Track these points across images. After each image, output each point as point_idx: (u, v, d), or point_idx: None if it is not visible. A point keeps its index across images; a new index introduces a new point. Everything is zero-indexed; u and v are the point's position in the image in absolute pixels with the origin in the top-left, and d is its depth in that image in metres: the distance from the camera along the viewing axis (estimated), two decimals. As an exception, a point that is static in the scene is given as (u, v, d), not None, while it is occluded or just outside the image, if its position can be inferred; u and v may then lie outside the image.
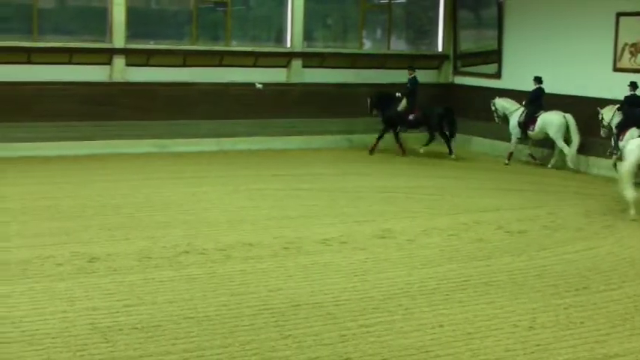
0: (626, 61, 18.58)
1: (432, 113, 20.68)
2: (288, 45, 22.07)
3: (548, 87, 19.72)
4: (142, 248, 11.43)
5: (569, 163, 19.24)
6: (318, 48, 22.69)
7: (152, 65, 20.50)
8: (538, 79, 19.74)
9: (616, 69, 18.68)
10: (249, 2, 22.47)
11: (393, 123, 20.93)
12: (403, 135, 21.27)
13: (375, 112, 21.03)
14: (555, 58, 20.17)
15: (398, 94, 20.90)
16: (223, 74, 21.18)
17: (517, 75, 20.59)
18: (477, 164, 20.19)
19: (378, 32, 23.87)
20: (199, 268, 10.59)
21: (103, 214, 13.49)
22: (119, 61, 20.22)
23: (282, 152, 21.00)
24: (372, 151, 20.93)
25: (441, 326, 8.72)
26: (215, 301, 9.30)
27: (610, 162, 18.05)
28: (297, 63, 22.05)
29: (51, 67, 19.48)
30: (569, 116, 19.23)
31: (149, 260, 10.88)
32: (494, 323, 8.85)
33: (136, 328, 8.39)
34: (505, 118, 20.54)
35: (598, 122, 18.29)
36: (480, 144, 22.09)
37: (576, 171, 19.14)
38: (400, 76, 22.26)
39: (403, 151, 20.93)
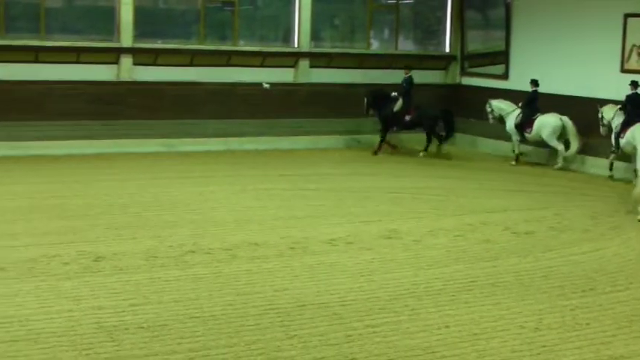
0: (633, 62, 18.55)
1: (426, 115, 20.68)
2: (296, 45, 22.07)
3: (556, 88, 19.73)
4: (148, 247, 11.45)
5: (560, 163, 19.55)
6: (326, 48, 22.68)
7: (159, 65, 20.52)
8: (534, 82, 19.87)
9: (624, 70, 18.65)
10: (256, 2, 22.48)
11: (389, 123, 20.92)
12: (402, 136, 21.30)
13: (371, 111, 21.04)
14: (563, 59, 20.15)
15: (394, 94, 20.89)
16: (231, 74, 21.19)
17: (524, 76, 20.53)
18: (484, 165, 20.17)
19: (386, 32, 23.86)
20: (205, 268, 10.60)
21: (110, 213, 13.51)
22: (126, 61, 20.25)
23: (290, 152, 21.01)
24: (376, 152, 20.92)
25: (447, 327, 8.71)
26: (221, 301, 9.31)
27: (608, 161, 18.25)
28: (304, 63, 22.05)
29: (58, 67, 19.52)
30: (565, 118, 19.33)
31: (155, 259, 10.89)
32: (500, 324, 8.85)
33: (142, 327, 8.40)
34: (501, 119, 20.65)
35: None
36: (487, 145, 22.05)
37: (569, 169, 19.43)
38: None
39: (393, 147, 21.04)
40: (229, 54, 21.25)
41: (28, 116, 19.09)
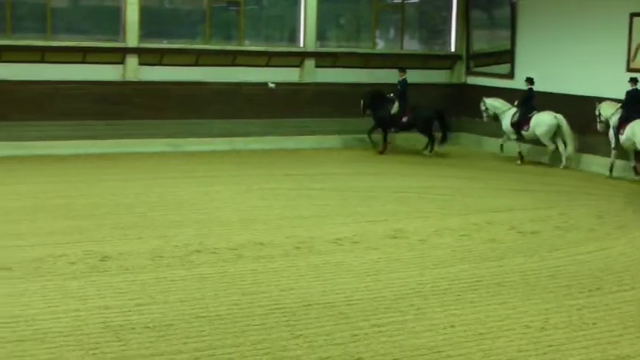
0: (639, 62, 18.52)
1: (421, 116, 20.76)
2: (301, 45, 22.08)
3: (562, 87, 19.73)
4: (154, 247, 11.46)
5: (546, 160, 19.85)
6: (331, 48, 22.69)
7: (165, 64, 20.55)
8: (530, 80, 20.01)
9: (629, 69, 18.62)
10: (262, 2, 22.50)
11: (386, 124, 20.94)
12: (407, 137, 21.39)
13: (368, 112, 21.05)
14: (568, 59, 20.13)
15: (390, 95, 20.92)
16: (236, 74, 21.21)
17: (530, 75, 20.49)
18: (489, 164, 20.15)
19: (391, 32, 23.85)
20: (211, 268, 10.61)
21: (116, 213, 13.53)
22: (132, 61, 20.29)
23: (295, 152, 21.02)
24: (382, 152, 20.93)
25: (453, 326, 8.70)
26: (226, 301, 9.31)
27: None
28: (309, 63, 22.06)
29: (64, 67, 19.57)
30: (560, 117, 19.45)
31: (161, 259, 10.90)
32: (506, 324, 8.83)
33: (148, 327, 8.41)
34: (495, 118, 20.81)
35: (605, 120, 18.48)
36: (492, 144, 22.01)
37: (565, 167, 19.56)
38: (413, 76, 22.26)
39: (385, 148, 21.06)
40: (235, 54, 21.27)
41: (34, 116, 19.13)
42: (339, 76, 21.91)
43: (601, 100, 18.62)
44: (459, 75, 23.82)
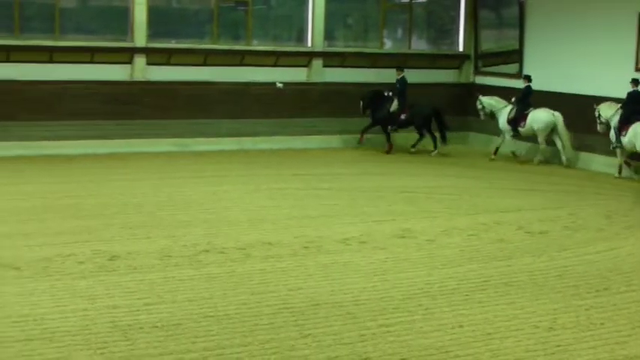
0: (648, 61, 18.53)
1: (419, 113, 20.87)
2: (309, 44, 22.08)
3: (570, 87, 19.70)
4: (162, 247, 11.48)
5: (536, 161, 19.98)
6: (339, 47, 22.68)
7: (173, 64, 20.57)
8: (527, 78, 20.19)
9: (638, 69, 18.56)
10: (270, 1, 22.50)
11: (385, 123, 20.98)
12: (400, 136, 21.44)
13: (367, 111, 21.07)
14: (577, 58, 20.08)
15: (388, 94, 20.96)
16: (244, 73, 21.22)
17: (538, 75, 20.46)
18: (496, 164, 20.11)
19: (399, 32, 23.84)
20: (219, 267, 10.62)
21: (125, 213, 13.55)
22: (140, 60, 20.31)
23: (303, 152, 21.02)
24: (389, 150, 20.95)
25: (461, 326, 8.70)
26: (235, 300, 9.32)
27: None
28: (317, 62, 22.06)
29: (73, 66, 19.60)
30: (557, 114, 19.60)
31: (169, 259, 10.92)
32: (514, 324, 8.83)
33: (156, 327, 8.43)
34: (492, 116, 20.94)
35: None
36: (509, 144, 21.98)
37: (567, 166, 19.67)
38: (421, 75, 22.32)
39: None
40: (243, 54, 21.28)
41: (43, 116, 19.17)
42: (347, 76, 21.90)
43: (599, 100, 18.67)
44: (467, 75, 23.80)
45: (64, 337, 8.10)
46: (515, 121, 20.20)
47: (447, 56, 23.94)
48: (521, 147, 20.85)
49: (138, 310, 8.89)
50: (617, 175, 18.35)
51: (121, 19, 20.48)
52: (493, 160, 20.40)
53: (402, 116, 20.88)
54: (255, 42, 21.70)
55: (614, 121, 18.17)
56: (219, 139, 20.80)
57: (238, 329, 8.42)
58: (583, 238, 12.75)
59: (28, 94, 19.05)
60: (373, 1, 22.99)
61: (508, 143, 20.65)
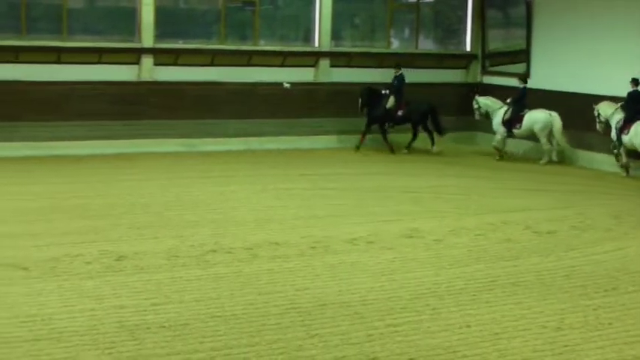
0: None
1: (416, 109, 20.99)
2: (316, 44, 22.09)
3: (578, 87, 19.67)
4: (169, 247, 11.49)
5: (546, 158, 20.07)
6: (346, 47, 22.68)
7: (180, 65, 20.59)
8: (524, 79, 20.49)
9: (646, 68, 18.57)
10: (277, 2, 22.50)
11: (382, 120, 21.01)
12: (402, 137, 21.46)
13: (364, 109, 21.09)
14: (585, 58, 20.04)
15: (384, 91, 20.98)
16: (251, 74, 21.23)
17: (546, 74, 20.46)
18: (504, 164, 20.10)
19: (406, 32, 23.82)
20: (226, 267, 10.63)
21: (132, 213, 13.57)
22: (147, 61, 20.33)
23: (310, 152, 21.02)
24: (392, 149, 20.99)
25: (469, 326, 8.69)
26: (242, 300, 9.33)
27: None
28: (324, 62, 22.06)
29: (80, 67, 19.63)
30: (554, 114, 19.79)
31: (177, 259, 10.93)
32: (521, 324, 8.82)
33: (164, 327, 8.43)
34: (487, 116, 21.15)
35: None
36: (508, 144, 21.95)
37: (561, 163, 19.99)
38: (428, 75, 22.32)
39: (361, 142, 21.15)
40: (250, 54, 21.29)
41: (50, 116, 19.20)
42: (354, 76, 21.87)
43: (608, 100, 18.77)
44: (475, 74, 23.77)
45: (71, 337, 8.11)
46: (511, 122, 20.40)
47: (454, 56, 23.93)
48: (522, 147, 20.94)
49: (145, 310, 8.90)
50: (625, 174, 18.34)
51: (129, 20, 20.50)
52: (499, 160, 20.43)
53: (399, 113, 20.99)
54: (262, 42, 21.71)
55: (614, 120, 18.37)
56: (227, 139, 20.82)
57: (245, 329, 8.42)
58: (591, 238, 12.72)
59: (36, 95, 19.09)
60: (380, 1, 22.98)
61: (497, 141, 20.80)
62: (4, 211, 13.50)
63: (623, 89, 18.46)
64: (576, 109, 19.42)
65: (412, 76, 22.01)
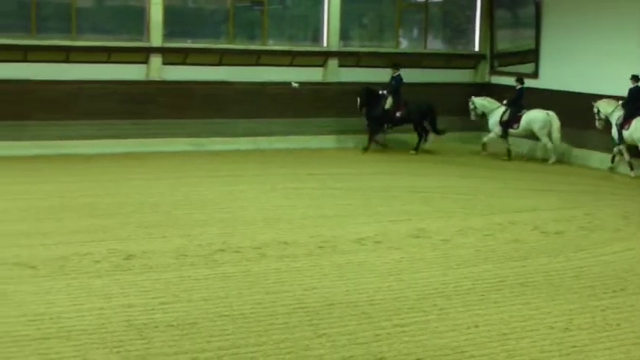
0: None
1: (415, 110, 21.03)
2: (325, 44, 22.09)
3: (587, 87, 19.64)
4: (178, 246, 11.51)
5: (552, 157, 20.17)
6: (355, 47, 22.69)
7: (189, 64, 20.62)
8: (520, 80, 20.66)
9: (655, 68, 18.55)
10: (285, 1, 22.52)
11: (381, 121, 21.01)
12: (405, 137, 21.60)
13: (364, 110, 21.09)
14: (594, 58, 19.99)
15: (382, 92, 20.99)
16: (260, 73, 21.25)
17: (554, 74, 20.43)
18: (512, 164, 20.08)
19: (415, 31, 23.82)
20: (235, 267, 10.64)
21: (141, 212, 13.60)
22: (156, 60, 20.37)
23: (319, 151, 21.03)
24: (383, 146, 21.19)
25: (476, 327, 8.69)
26: (250, 299, 9.34)
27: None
28: (333, 62, 22.06)
29: (89, 66, 19.69)
30: (552, 113, 19.98)
31: (185, 258, 10.95)
32: (529, 324, 8.81)
33: (172, 326, 8.45)
34: (483, 116, 21.26)
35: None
36: (516, 144, 21.92)
37: (554, 163, 20.02)
38: (436, 75, 22.31)
39: (368, 146, 21.17)
40: (258, 53, 21.31)
41: (59, 115, 19.26)
42: (363, 76, 21.86)
43: (597, 98, 19.05)
44: (483, 74, 23.75)
45: (80, 335, 8.13)
46: (508, 122, 20.54)
47: (462, 56, 23.92)
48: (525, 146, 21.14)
49: (153, 309, 8.92)
50: (632, 175, 18.35)
51: (137, 19, 20.54)
52: (506, 160, 20.51)
53: (398, 114, 21.01)
54: (270, 42, 21.73)
55: (614, 118, 18.57)
56: (235, 138, 20.84)
57: (253, 328, 8.43)
58: (599, 239, 12.70)
59: (45, 94, 19.14)
60: (389, 1, 22.98)
61: (489, 138, 20.96)
62: (13, 209, 13.55)
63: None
64: (585, 109, 19.36)
65: (420, 75, 22.03)
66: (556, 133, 19.99)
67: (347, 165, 19.12)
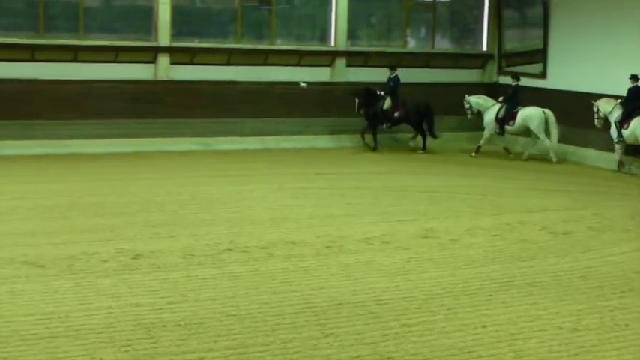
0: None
1: (413, 110, 21.05)
2: (332, 44, 22.09)
3: (595, 87, 19.60)
4: (185, 245, 11.52)
5: (552, 156, 20.17)
6: (362, 47, 22.69)
7: (196, 64, 20.64)
8: (516, 77, 20.91)
9: (664, 68, 18.52)
10: (293, 1, 22.52)
11: (379, 121, 21.04)
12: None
13: (362, 110, 21.09)
14: (602, 58, 19.95)
15: (380, 92, 21.01)
16: (267, 73, 21.26)
17: (562, 74, 20.40)
18: (520, 164, 20.04)
19: (423, 31, 23.80)
20: (242, 266, 10.65)
21: (148, 211, 13.61)
22: (164, 60, 20.40)
23: (326, 151, 21.03)
24: (375, 148, 21.12)
25: (484, 327, 8.68)
26: (257, 299, 9.34)
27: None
28: (341, 62, 22.07)
29: (97, 66, 19.72)
30: (548, 111, 20.07)
31: (192, 257, 10.96)
32: (537, 324, 8.79)
33: (179, 325, 8.46)
34: (479, 115, 21.33)
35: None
36: (524, 144, 21.89)
37: (558, 162, 20.04)
38: (444, 75, 22.30)
39: (375, 145, 21.17)
40: (266, 53, 21.32)
41: (67, 115, 19.30)
42: (371, 76, 21.85)
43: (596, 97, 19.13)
44: (491, 74, 23.73)
45: (88, 334, 8.15)
46: (504, 119, 20.66)
47: (470, 56, 23.90)
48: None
49: (161, 309, 8.93)
50: (616, 169, 18.88)
51: (145, 19, 20.57)
52: (512, 158, 20.62)
53: (396, 114, 21.04)
54: (278, 41, 21.74)
55: (614, 117, 18.69)
56: (243, 138, 20.86)
57: (260, 328, 8.44)
58: (608, 239, 12.67)
59: (53, 94, 19.18)
60: (397, 1, 22.97)
61: (485, 141, 20.99)
62: (22, 208, 13.57)
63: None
64: (593, 110, 19.33)
65: (428, 75, 22.01)
66: (554, 131, 20.06)
67: (354, 164, 19.12)
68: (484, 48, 23.90)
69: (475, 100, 21.26)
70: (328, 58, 22.02)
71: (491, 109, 21.00)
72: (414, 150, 21.22)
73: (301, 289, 9.77)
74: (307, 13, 22.69)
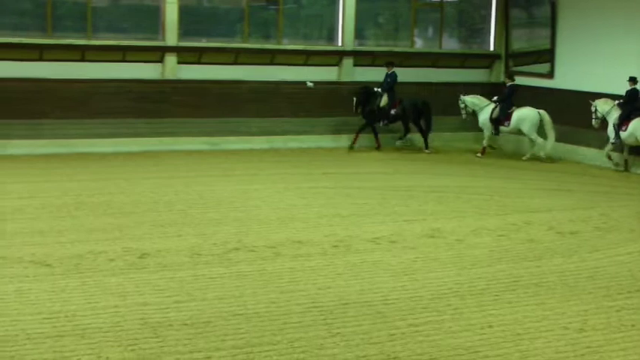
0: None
1: (409, 107, 21.10)
2: (340, 43, 22.09)
3: (602, 87, 19.58)
4: (192, 245, 11.53)
5: (542, 155, 20.36)
6: (370, 47, 22.68)
7: (204, 63, 20.67)
8: (511, 77, 21.14)
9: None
10: (300, 0, 22.52)
11: (376, 118, 21.06)
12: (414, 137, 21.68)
13: (359, 109, 21.09)
14: (610, 58, 19.93)
15: (377, 90, 21.03)
16: (275, 72, 21.28)
17: (570, 74, 20.37)
18: (526, 164, 20.03)
19: (430, 31, 23.79)
20: (249, 266, 10.66)
21: (155, 211, 13.63)
22: (171, 59, 20.42)
23: (333, 150, 21.04)
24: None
25: (490, 327, 8.68)
26: (264, 299, 9.35)
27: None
28: (348, 61, 22.07)
29: (104, 65, 19.77)
30: (543, 112, 20.22)
31: (199, 257, 10.97)
32: (544, 325, 8.79)
33: (186, 324, 8.47)
34: (474, 115, 21.42)
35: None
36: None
37: (552, 161, 20.25)
38: (452, 75, 22.29)
39: (378, 144, 21.41)
40: (273, 52, 21.33)
41: (75, 114, 19.36)
42: (378, 75, 21.83)
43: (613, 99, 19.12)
44: (498, 74, 23.69)
45: (95, 333, 8.16)
46: (499, 120, 20.69)
47: (477, 55, 23.88)
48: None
49: (168, 308, 8.94)
50: (611, 165, 19.14)
51: (153, 18, 20.60)
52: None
53: (392, 111, 21.12)
54: (285, 41, 21.75)
55: (613, 118, 18.80)
56: (250, 137, 20.89)
57: (267, 327, 8.45)
58: (614, 239, 12.65)
59: (61, 93, 19.24)
60: (404, 0, 22.96)
61: (487, 139, 21.11)
62: (29, 207, 13.61)
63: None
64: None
65: (435, 75, 22.00)
66: (551, 132, 20.12)
67: (361, 164, 19.12)
68: (491, 48, 23.88)
69: (470, 100, 21.32)
70: (335, 57, 22.03)
71: (485, 108, 21.07)
72: (418, 150, 21.22)
73: (308, 288, 9.78)
74: (314, 12, 22.71)
